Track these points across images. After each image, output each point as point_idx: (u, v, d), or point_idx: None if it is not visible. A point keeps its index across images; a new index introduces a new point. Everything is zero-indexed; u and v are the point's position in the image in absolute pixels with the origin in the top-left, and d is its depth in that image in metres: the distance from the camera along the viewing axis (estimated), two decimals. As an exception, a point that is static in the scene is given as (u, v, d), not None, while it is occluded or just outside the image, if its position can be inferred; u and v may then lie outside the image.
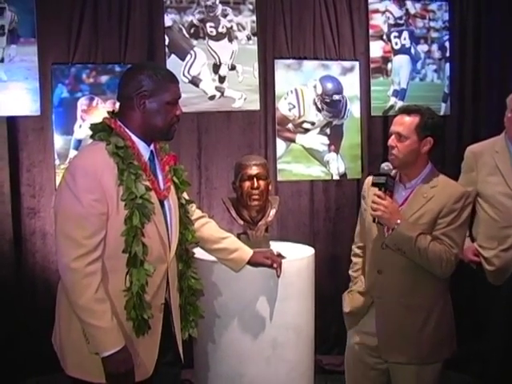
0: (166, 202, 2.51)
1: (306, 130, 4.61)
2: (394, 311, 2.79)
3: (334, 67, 4.65)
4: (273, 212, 3.42)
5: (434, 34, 4.82)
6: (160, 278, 2.45)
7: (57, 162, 4.19)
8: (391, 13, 4.73)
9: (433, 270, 2.72)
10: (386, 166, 2.76)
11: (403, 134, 2.74)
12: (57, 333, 2.48)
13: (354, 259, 3.12)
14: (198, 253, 2.91)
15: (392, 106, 4.72)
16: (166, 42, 4.37)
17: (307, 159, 4.62)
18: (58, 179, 4.04)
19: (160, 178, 2.53)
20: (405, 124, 2.75)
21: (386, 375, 2.93)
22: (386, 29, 4.73)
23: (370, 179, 2.94)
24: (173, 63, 4.30)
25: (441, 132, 2.86)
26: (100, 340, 2.29)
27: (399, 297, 2.78)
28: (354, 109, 4.68)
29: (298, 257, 3.31)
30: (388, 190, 2.73)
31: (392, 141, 2.76)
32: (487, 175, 3.43)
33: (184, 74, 4.39)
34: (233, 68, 4.49)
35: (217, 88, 4.47)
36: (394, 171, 2.81)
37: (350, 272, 3.11)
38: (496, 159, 3.44)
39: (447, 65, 4.83)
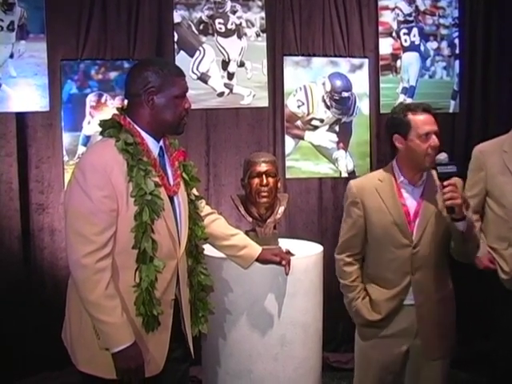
0: (175, 198, 2.51)
1: (315, 127, 4.61)
2: (433, 307, 2.79)
3: (343, 64, 4.64)
4: (281, 209, 3.41)
5: (444, 31, 4.81)
6: (170, 273, 2.45)
7: (65, 158, 4.20)
8: (401, 9, 4.72)
9: (473, 254, 2.85)
10: (442, 155, 2.67)
11: (438, 133, 2.74)
12: (67, 329, 2.49)
13: (347, 269, 2.94)
14: (207, 249, 2.91)
15: (401, 103, 4.69)
16: (175, 39, 4.36)
17: (316, 156, 4.62)
18: (67, 175, 4.06)
19: (169, 173, 2.52)
20: (435, 122, 2.76)
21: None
22: (395, 26, 4.71)
23: (356, 183, 2.92)
24: (181, 60, 4.30)
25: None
26: (110, 336, 2.29)
27: (434, 292, 2.79)
28: (363, 106, 4.67)
29: (306, 254, 3.30)
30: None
31: (437, 140, 2.72)
32: (496, 175, 3.41)
33: (193, 71, 4.39)
34: (241, 65, 4.48)
35: (225, 85, 4.46)
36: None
37: (347, 282, 2.94)
38: (505, 159, 3.41)
39: (457, 62, 4.82)
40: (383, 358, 2.87)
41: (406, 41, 4.74)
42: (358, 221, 2.88)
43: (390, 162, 2.93)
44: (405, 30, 4.74)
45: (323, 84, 4.61)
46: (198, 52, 4.42)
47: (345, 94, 4.63)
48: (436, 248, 2.77)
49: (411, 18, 4.75)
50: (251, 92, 4.48)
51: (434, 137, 2.71)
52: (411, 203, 2.82)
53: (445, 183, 2.62)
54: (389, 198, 2.81)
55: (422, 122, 2.74)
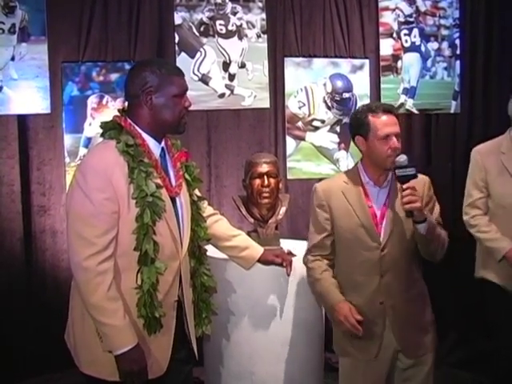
0: (177, 199, 2.50)
1: (316, 128, 4.61)
2: (403, 307, 2.75)
3: (344, 65, 4.64)
4: (283, 210, 3.41)
5: (445, 32, 4.81)
6: (172, 275, 2.45)
7: (67, 160, 4.20)
8: (401, 10, 4.72)
9: (440, 254, 2.77)
10: (401, 158, 2.63)
11: (399, 134, 2.72)
12: (70, 331, 2.49)
13: (313, 264, 2.85)
14: (209, 250, 2.90)
15: (402, 104, 4.72)
16: (176, 40, 4.37)
17: (317, 157, 4.62)
18: (68, 177, 4.06)
19: (171, 174, 2.52)
20: (397, 123, 2.73)
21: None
22: (396, 26, 4.72)
23: (322, 186, 2.87)
24: (182, 61, 4.30)
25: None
26: (113, 338, 2.29)
27: (403, 293, 2.75)
28: (364, 107, 4.66)
29: (308, 255, 3.30)
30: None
31: (398, 142, 2.69)
32: (495, 176, 3.41)
33: (194, 72, 4.39)
34: (242, 66, 4.49)
35: (226, 86, 4.47)
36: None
37: (317, 275, 2.82)
38: (503, 160, 3.42)
39: (457, 62, 4.82)
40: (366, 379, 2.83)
41: (406, 41, 4.75)
42: (326, 223, 2.83)
43: (355, 164, 2.91)
44: (405, 31, 4.74)
45: (324, 85, 4.61)
46: (198, 53, 4.42)
47: (346, 95, 4.64)
48: (404, 249, 2.73)
49: (412, 19, 4.75)
50: (252, 93, 4.49)
51: (394, 139, 2.67)
52: (377, 205, 2.77)
53: (404, 186, 2.60)
54: (355, 201, 2.76)
55: (381, 123, 2.69)
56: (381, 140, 2.68)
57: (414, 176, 2.61)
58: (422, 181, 2.77)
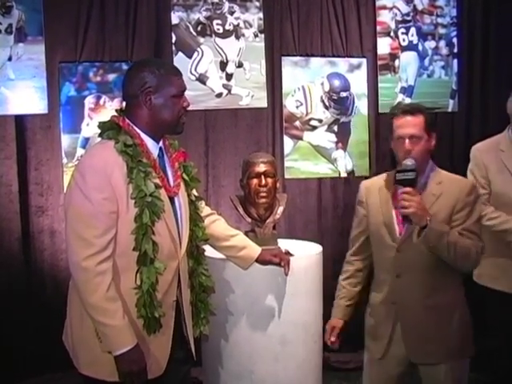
0: (176, 199, 2.51)
1: (314, 128, 4.61)
2: (418, 314, 2.73)
3: (342, 64, 4.64)
4: (280, 210, 3.41)
5: (442, 30, 4.81)
6: (171, 275, 2.45)
7: (64, 160, 4.20)
8: (398, 9, 4.72)
9: (461, 265, 2.68)
10: (409, 161, 2.63)
11: (416, 135, 2.68)
12: (68, 331, 2.49)
13: (345, 267, 3.05)
14: (207, 250, 2.90)
15: (400, 103, 4.70)
16: (173, 40, 4.37)
17: (315, 157, 4.62)
18: (66, 177, 4.07)
19: (170, 175, 2.52)
20: (415, 125, 2.70)
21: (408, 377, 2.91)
22: (393, 25, 4.72)
23: (366, 183, 2.94)
24: (180, 61, 4.30)
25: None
26: (112, 338, 2.29)
27: (421, 299, 2.72)
28: (362, 106, 4.68)
29: (305, 254, 3.30)
30: (414, 186, 2.63)
31: (408, 145, 2.68)
32: (495, 174, 3.42)
33: (191, 72, 4.39)
34: (240, 65, 4.48)
35: (224, 85, 4.47)
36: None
37: (340, 279, 3.06)
38: (502, 157, 3.42)
39: (455, 61, 4.82)
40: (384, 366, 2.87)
41: (404, 40, 4.75)
42: (363, 220, 2.92)
43: None
44: (403, 30, 4.74)
45: (322, 84, 4.61)
46: (196, 53, 4.42)
47: (343, 94, 4.64)
48: (420, 252, 2.68)
49: (409, 18, 4.75)
50: (250, 93, 4.49)
51: (405, 141, 2.69)
52: None
53: (399, 191, 2.61)
54: (384, 200, 2.80)
55: (396, 125, 2.74)
56: (396, 141, 2.74)
57: (412, 181, 2.60)
58: (459, 184, 2.74)
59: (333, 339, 2.98)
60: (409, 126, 2.71)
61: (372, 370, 2.92)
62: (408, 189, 2.59)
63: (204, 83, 4.43)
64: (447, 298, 2.75)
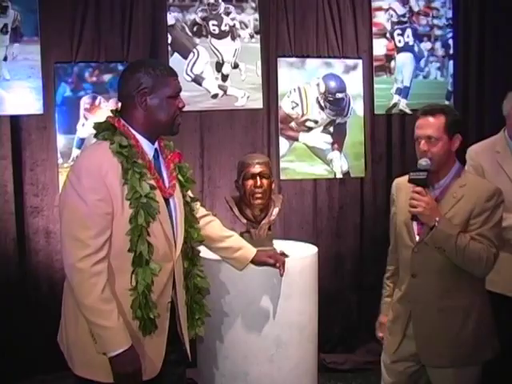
0: (171, 200, 2.50)
1: (309, 129, 4.61)
2: (431, 314, 2.73)
3: (337, 65, 4.64)
4: (276, 211, 3.41)
5: (438, 32, 4.82)
6: (166, 276, 2.45)
7: (60, 160, 4.19)
8: (394, 10, 4.73)
9: (471, 269, 2.66)
10: (424, 161, 2.65)
11: (434, 136, 2.67)
12: (63, 332, 2.48)
13: (387, 265, 3.09)
14: (202, 251, 2.90)
15: (395, 104, 4.72)
16: (169, 41, 4.36)
17: (310, 158, 4.62)
18: (61, 178, 4.06)
19: (165, 176, 2.52)
20: (433, 126, 2.69)
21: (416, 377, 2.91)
22: (389, 26, 4.72)
23: (398, 181, 2.96)
24: (176, 62, 4.29)
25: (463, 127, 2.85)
26: (107, 340, 2.29)
27: (435, 300, 2.72)
28: (357, 107, 4.68)
29: (301, 255, 3.30)
30: (426, 186, 2.66)
31: (423, 145, 2.68)
32: (491, 175, 3.42)
33: (187, 73, 4.39)
34: (236, 66, 4.48)
35: (220, 86, 4.46)
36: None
37: (385, 279, 3.12)
38: (498, 159, 3.43)
39: (451, 62, 4.83)
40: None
41: (399, 41, 4.75)
42: (394, 217, 2.94)
43: None
44: (399, 31, 4.75)
45: (317, 85, 4.61)
46: (191, 54, 4.42)
47: (339, 95, 4.64)
48: (435, 254, 2.67)
49: (405, 19, 4.76)
50: (245, 93, 4.48)
51: (421, 142, 2.70)
52: None
53: (412, 190, 2.65)
54: (407, 199, 2.75)
55: (416, 125, 2.77)
56: (415, 142, 2.76)
57: (423, 181, 2.63)
58: (481, 188, 2.72)
59: (380, 335, 3.05)
60: (426, 126, 2.71)
61: (386, 364, 2.95)
62: (418, 188, 2.63)
63: (200, 84, 4.42)
64: (462, 301, 2.73)
